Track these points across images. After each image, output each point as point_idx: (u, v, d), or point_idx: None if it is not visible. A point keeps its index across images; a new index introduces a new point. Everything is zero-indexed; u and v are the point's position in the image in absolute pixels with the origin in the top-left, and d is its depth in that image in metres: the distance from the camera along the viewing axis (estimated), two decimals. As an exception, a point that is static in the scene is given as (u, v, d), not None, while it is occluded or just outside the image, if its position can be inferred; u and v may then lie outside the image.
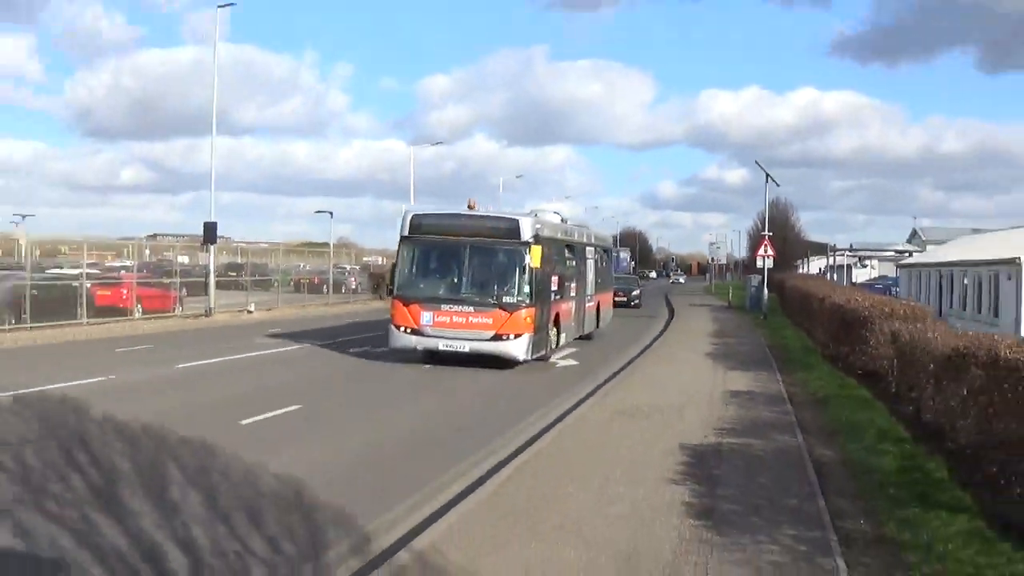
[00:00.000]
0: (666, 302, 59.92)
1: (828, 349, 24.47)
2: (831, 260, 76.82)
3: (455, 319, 20.48)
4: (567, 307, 24.73)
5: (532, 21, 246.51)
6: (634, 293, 54.25)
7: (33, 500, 8.78)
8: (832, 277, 65.26)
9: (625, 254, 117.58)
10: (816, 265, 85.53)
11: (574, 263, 26.14)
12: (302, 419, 14.17)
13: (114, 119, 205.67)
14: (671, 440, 12.58)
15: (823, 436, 13.54)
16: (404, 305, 20.84)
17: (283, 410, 14.50)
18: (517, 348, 20.39)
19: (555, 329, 23.18)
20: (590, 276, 28.49)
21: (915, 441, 12.80)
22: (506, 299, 20.53)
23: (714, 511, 9.01)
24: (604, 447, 12.06)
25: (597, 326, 30.34)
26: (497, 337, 20.32)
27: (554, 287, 22.81)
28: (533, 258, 20.50)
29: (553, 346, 23.19)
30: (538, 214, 24.29)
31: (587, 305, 28.13)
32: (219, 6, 37.82)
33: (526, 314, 20.44)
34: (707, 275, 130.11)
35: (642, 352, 26.50)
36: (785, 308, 45.06)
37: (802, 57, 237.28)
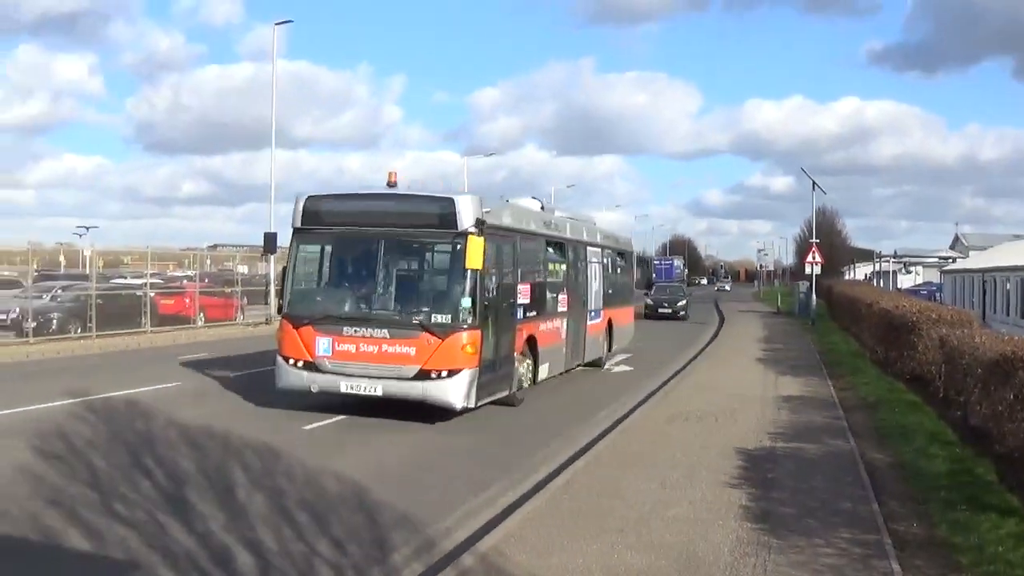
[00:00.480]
0: (716, 309, 59.44)
1: (876, 354, 24.17)
2: (877, 266, 75.99)
3: (363, 347, 14.06)
4: (550, 327, 18.08)
5: (579, 34, 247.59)
6: (680, 304, 48.54)
7: (102, 502, 8.98)
8: (879, 283, 64.52)
9: (679, 262, 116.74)
10: (862, 271, 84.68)
11: (564, 267, 19.46)
12: (361, 424, 14.10)
13: (174, 134, 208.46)
14: (726, 443, 12.54)
15: (874, 440, 13.40)
16: (294, 328, 14.56)
17: (343, 416, 14.48)
18: (453, 390, 13.76)
19: (529, 359, 16.78)
20: (594, 285, 21.76)
21: (963, 444, 12.64)
22: (437, 317, 13.97)
23: (770, 514, 8.96)
24: (661, 450, 12.03)
25: (609, 349, 23.62)
26: (423, 375, 13.77)
27: (523, 299, 16.25)
28: (471, 255, 13.71)
29: (524, 382, 16.52)
30: (509, 200, 18.09)
31: (589, 324, 21.21)
32: (276, 23, 38.38)
33: (467, 339, 13.83)
34: (755, 281, 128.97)
35: (695, 357, 26.32)
36: (833, 314, 44.55)
37: (843, 67, 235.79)
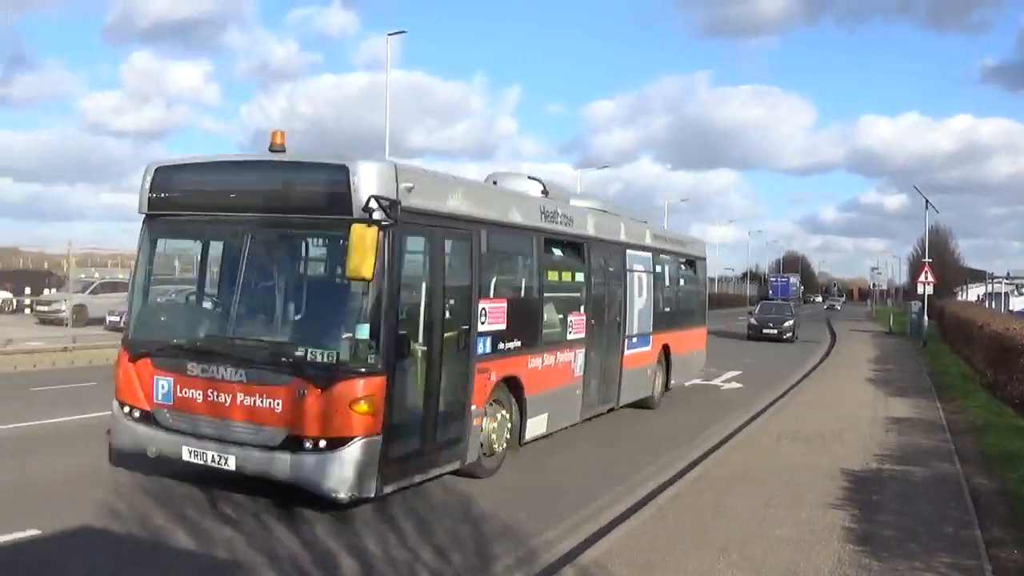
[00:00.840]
0: (828, 327, 58.05)
1: (986, 377, 23.32)
2: (989, 287, 73.14)
3: (212, 395, 8.87)
4: (551, 363, 12.31)
5: (694, 48, 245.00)
6: (787, 324, 41.67)
7: (209, 501, 9.31)
8: (990, 305, 62.08)
9: (795, 279, 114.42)
10: (974, 292, 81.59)
11: (582, 278, 13.56)
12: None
13: (289, 141, 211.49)
14: (832, 464, 12.27)
15: (980, 465, 12.93)
16: (130, 361, 9.51)
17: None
18: (335, 470, 8.25)
19: (507, 409, 11.16)
20: (637, 302, 15.82)
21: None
22: (316, 355, 8.49)
23: (873, 536, 8.77)
24: (768, 469, 11.83)
25: (667, 387, 17.80)
26: (292, 443, 8.43)
27: (492, 324, 10.48)
28: (356, 257, 8.05)
29: (497, 445, 10.89)
30: (497, 182, 13.41)
31: (627, 354, 15.34)
32: (389, 34, 37.37)
33: (362, 390, 8.32)
34: (868, 300, 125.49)
35: (806, 375, 25.73)
36: (945, 335, 43.00)
37: (958, 83, 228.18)
